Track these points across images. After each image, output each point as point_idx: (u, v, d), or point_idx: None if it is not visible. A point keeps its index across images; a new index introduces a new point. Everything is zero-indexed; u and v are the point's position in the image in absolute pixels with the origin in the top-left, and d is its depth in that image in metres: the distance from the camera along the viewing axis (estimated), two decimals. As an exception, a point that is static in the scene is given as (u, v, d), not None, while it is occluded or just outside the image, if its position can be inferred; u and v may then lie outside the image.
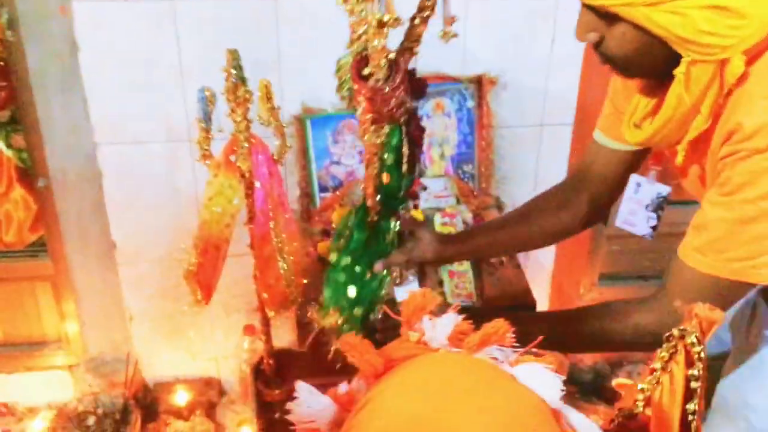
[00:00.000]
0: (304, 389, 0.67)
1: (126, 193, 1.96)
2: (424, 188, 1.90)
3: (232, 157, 1.49)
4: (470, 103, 1.97)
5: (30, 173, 1.93)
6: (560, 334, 1.09)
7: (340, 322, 1.21)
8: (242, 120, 1.45)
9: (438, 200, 1.98)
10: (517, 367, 0.60)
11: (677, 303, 0.58)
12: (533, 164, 2.08)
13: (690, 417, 0.56)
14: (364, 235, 1.14)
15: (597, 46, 0.97)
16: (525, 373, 0.59)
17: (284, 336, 2.08)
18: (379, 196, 1.10)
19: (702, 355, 0.54)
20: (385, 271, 1.19)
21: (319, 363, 1.76)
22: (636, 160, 1.24)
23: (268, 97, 1.47)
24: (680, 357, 0.55)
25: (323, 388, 0.70)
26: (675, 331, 0.55)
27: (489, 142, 1.98)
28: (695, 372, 0.55)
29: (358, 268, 1.16)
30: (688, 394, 0.55)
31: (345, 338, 0.66)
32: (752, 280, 0.96)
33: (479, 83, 1.94)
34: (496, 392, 0.57)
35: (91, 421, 2.09)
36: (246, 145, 1.47)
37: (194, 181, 1.95)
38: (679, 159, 1.01)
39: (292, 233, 1.54)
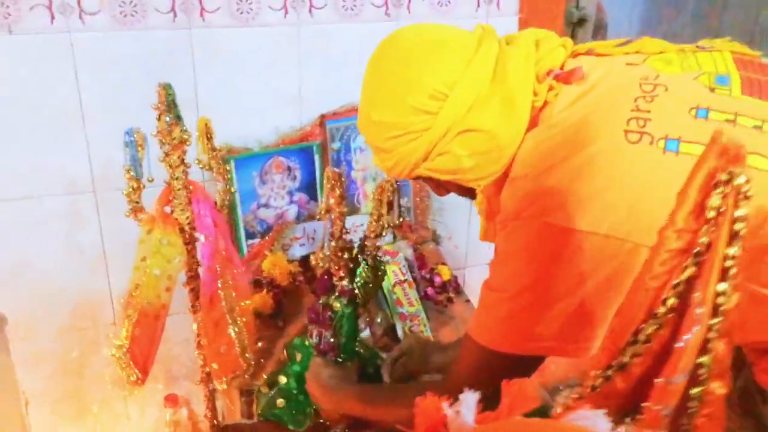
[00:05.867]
0: None
1: (14, 258, 1.66)
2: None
3: (168, 209, 1.29)
4: (404, 133, 1.86)
5: None
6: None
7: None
8: (179, 165, 1.26)
9: (376, 239, 1.85)
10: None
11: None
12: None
13: (728, 263, 0.56)
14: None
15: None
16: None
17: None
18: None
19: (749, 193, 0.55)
20: None
21: (272, 433, 1.56)
22: None
23: (208, 136, 1.29)
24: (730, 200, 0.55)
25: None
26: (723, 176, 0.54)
27: (424, 173, 1.88)
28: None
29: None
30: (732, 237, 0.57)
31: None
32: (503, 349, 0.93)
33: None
34: None
35: None
36: (184, 193, 1.28)
37: (101, 238, 1.69)
38: None
39: (242, 290, 1.35)
